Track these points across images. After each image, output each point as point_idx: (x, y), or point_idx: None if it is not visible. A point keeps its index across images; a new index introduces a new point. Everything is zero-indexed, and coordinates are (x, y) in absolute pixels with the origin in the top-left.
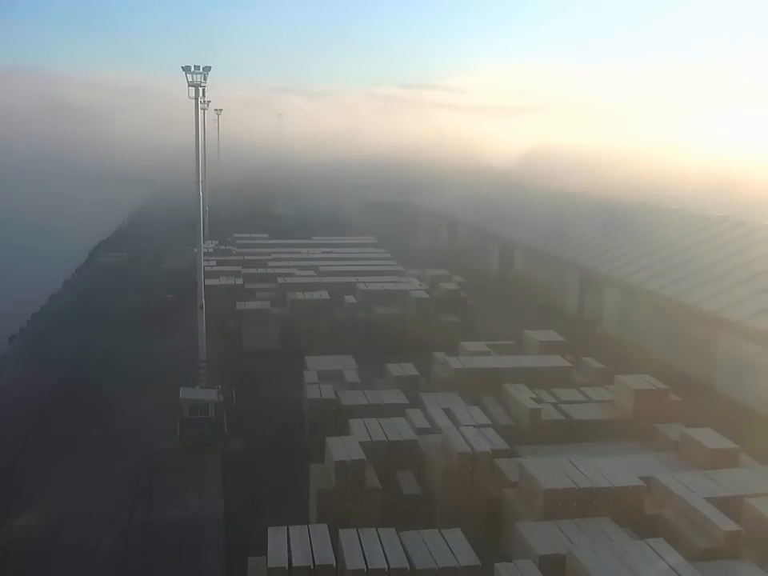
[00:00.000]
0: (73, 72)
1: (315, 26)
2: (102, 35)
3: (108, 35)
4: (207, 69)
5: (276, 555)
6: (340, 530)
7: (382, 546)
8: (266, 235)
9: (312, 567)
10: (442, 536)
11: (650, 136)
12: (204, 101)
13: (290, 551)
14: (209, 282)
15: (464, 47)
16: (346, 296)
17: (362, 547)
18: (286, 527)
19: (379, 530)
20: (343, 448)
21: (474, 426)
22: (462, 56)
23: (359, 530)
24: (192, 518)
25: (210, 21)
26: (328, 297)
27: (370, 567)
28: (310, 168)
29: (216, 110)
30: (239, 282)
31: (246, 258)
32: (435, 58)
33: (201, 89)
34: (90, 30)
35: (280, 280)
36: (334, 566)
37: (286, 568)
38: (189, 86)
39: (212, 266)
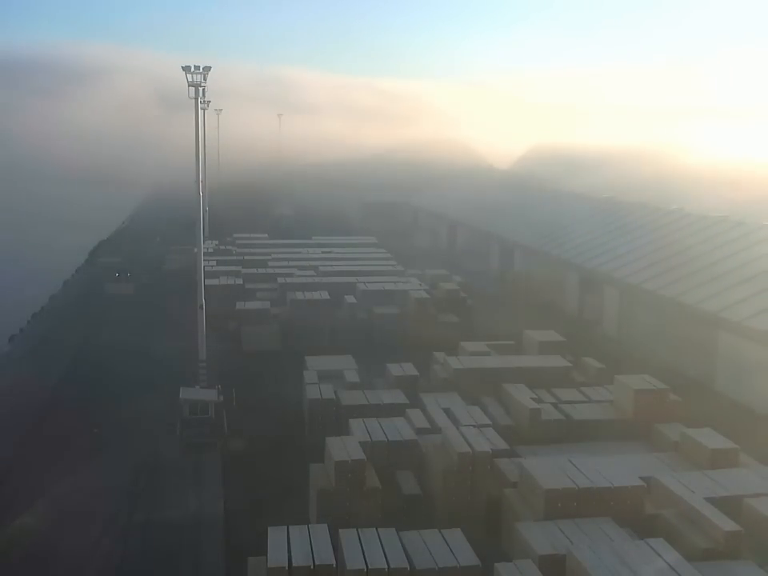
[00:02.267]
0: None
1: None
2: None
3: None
4: (207, 69)
5: (276, 555)
6: (340, 530)
7: (382, 546)
8: (266, 235)
9: (312, 567)
10: (442, 536)
11: (648, 136)
12: (204, 101)
13: (289, 551)
14: (209, 282)
15: (450, 46)
16: (346, 296)
17: (362, 547)
18: (286, 527)
19: (379, 530)
20: (343, 448)
21: (474, 426)
22: (450, 56)
23: (359, 530)
24: (192, 518)
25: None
26: (328, 297)
27: (369, 567)
28: (310, 168)
29: (216, 110)
30: (239, 282)
31: (245, 258)
32: (427, 56)
33: (201, 89)
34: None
35: (280, 280)
36: (334, 566)
37: (286, 568)
38: (189, 85)
39: (212, 266)
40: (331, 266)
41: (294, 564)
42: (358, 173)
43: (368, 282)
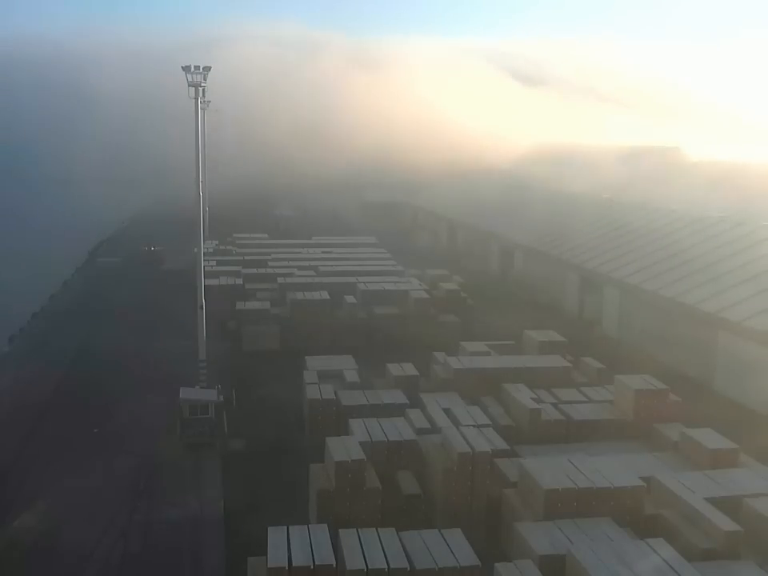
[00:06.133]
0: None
1: None
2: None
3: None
4: (207, 69)
5: (276, 555)
6: (340, 530)
7: (381, 545)
8: (266, 235)
9: (312, 567)
10: (442, 536)
11: (648, 135)
12: (204, 101)
13: (289, 551)
14: (209, 282)
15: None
16: (345, 296)
17: (361, 547)
18: (285, 527)
19: (379, 529)
20: (343, 448)
21: (474, 425)
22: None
23: (359, 530)
24: (192, 518)
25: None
26: (328, 297)
27: (369, 567)
28: (309, 168)
29: (216, 110)
30: (239, 282)
31: (246, 258)
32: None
33: (201, 89)
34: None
35: (280, 280)
36: (334, 566)
37: (286, 568)
38: (189, 85)
39: (212, 266)
40: (331, 266)
41: (293, 564)
42: (358, 173)
43: (368, 282)
